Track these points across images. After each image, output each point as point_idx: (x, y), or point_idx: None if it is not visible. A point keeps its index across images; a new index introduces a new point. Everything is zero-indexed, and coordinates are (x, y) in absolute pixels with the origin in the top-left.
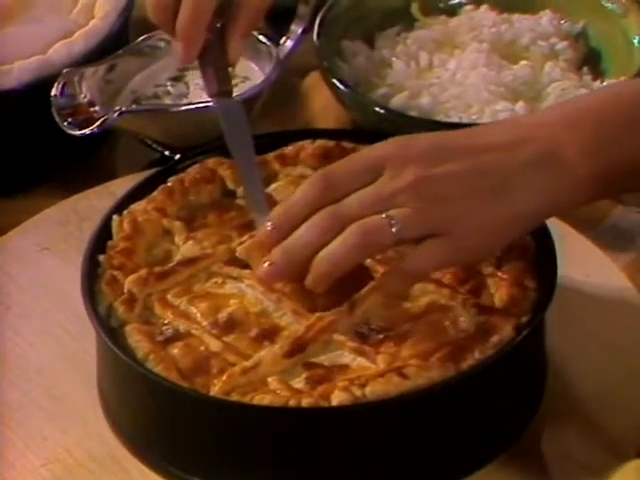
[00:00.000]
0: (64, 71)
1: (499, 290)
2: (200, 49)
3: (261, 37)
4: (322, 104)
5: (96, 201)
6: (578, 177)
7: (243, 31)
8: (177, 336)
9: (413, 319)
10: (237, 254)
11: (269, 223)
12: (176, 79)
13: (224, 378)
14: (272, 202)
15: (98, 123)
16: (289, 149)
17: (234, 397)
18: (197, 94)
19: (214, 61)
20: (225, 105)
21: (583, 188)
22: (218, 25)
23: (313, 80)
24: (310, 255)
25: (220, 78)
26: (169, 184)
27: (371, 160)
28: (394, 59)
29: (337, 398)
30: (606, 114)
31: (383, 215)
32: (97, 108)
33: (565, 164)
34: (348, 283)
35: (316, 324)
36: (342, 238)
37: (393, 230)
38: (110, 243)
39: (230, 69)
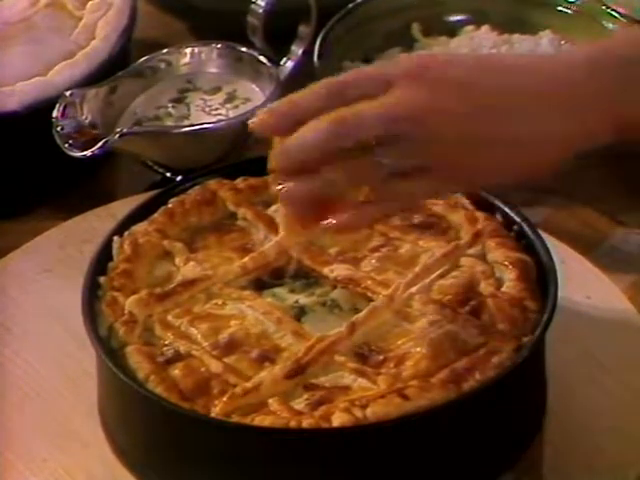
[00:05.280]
0: (65, 93)
1: (499, 311)
2: None
3: (262, 58)
4: None
5: (97, 223)
6: (594, 120)
7: None
8: (178, 357)
9: (413, 340)
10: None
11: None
12: (177, 101)
13: (225, 399)
14: (273, 224)
15: (99, 145)
16: None
17: (235, 418)
18: (198, 116)
19: None
20: None
21: (599, 130)
22: None
23: None
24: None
25: None
26: (170, 206)
27: (381, 75)
28: None
29: (338, 419)
30: (629, 54)
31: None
32: (98, 130)
33: (582, 110)
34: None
35: (316, 345)
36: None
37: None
38: (111, 265)
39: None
